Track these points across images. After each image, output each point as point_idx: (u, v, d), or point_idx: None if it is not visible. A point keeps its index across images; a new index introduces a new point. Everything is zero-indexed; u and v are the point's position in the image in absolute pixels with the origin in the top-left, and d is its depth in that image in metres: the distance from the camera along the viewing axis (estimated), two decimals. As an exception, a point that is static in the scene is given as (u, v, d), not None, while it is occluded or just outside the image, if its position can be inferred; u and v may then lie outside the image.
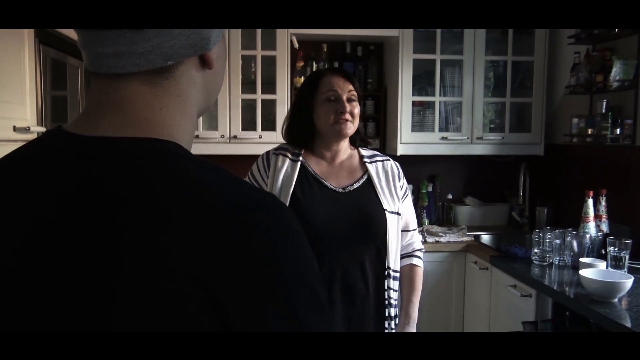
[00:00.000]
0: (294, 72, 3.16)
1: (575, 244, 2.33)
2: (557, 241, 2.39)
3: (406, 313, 1.72)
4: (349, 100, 1.61)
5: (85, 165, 0.57)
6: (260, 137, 2.96)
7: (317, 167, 1.65)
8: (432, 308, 2.86)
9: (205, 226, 0.53)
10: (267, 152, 1.68)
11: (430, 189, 3.36)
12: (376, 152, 1.76)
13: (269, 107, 3.02)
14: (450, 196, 3.41)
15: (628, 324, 1.65)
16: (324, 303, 0.60)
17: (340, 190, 1.61)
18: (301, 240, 0.60)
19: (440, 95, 3.08)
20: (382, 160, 1.72)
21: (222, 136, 2.94)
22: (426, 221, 3.27)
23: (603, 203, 2.46)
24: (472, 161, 3.37)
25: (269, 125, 3.00)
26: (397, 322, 1.68)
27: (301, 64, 3.20)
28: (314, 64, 3.21)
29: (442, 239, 2.89)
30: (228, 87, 2.92)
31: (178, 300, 0.52)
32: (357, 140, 1.72)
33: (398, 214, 1.66)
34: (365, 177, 1.66)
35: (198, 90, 0.66)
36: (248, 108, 3.01)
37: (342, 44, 3.26)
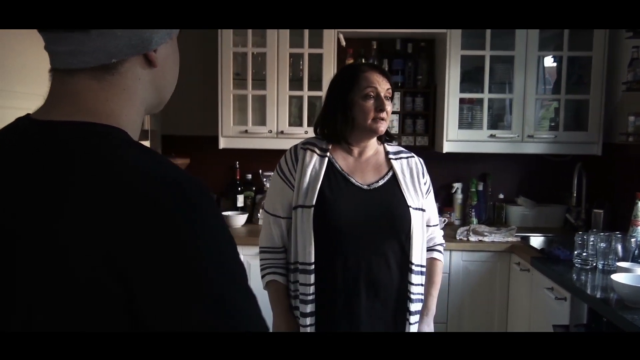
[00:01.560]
0: (343, 70, 3.21)
1: (620, 247, 2.22)
2: (602, 244, 2.28)
3: (425, 305, 1.74)
4: (386, 98, 1.63)
5: (33, 145, 0.67)
6: (306, 132, 3.03)
7: (343, 162, 1.68)
8: (475, 307, 2.82)
9: (119, 204, 0.60)
10: (295, 146, 1.72)
11: (480, 187, 3.29)
12: (401, 149, 1.78)
13: (315, 104, 3.10)
14: (501, 196, 3.32)
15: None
16: (242, 283, 0.66)
17: (365, 187, 1.65)
18: (220, 221, 0.66)
19: (489, 92, 3.01)
20: (407, 157, 1.74)
21: (270, 131, 3.05)
22: (474, 220, 3.21)
23: (657, 206, 2.33)
24: (525, 160, 3.27)
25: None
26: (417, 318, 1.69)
27: (350, 61, 3.24)
28: (363, 61, 3.24)
29: (485, 239, 2.83)
30: (276, 83, 3.02)
31: (90, 281, 0.59)
32: (384, 137, 1.76)
33: (422, 210, 1.68)
34: (390, 174, 1.69)
35: (145, 86, 0.74)
36: (295, 104, 3.10)
37: (392, 41, 3.27)
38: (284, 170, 1.70)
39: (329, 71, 3.01)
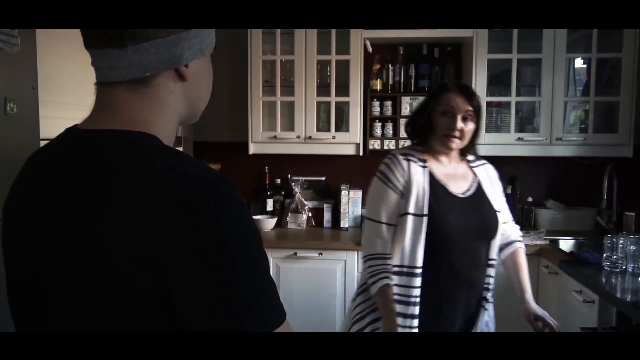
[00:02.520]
0: (370, 75, 3.26)
1: (650, 251, 2.20)
2: (633, 247, 2.26)
3: (525, 289, 1.91)
4: (464, 118, 1.77)
5: (78, 152, 0.75)
6: (334, 137, 3.09)
7: (439, 172, 1.83)
8: (504, 310, 2.80)
9: (156, 205, 0.66)
10: (395, 157, 1.83)
11: (509, 191, 3.28)
12: (475, 157, 1.93)
13: (343, 109, 3.15)
14: (530, 199, 3.31)
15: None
16: (265, 272, 0.72)
17: (461, 195, 1.82)
18: (244, 213, 0.71)
19: (516, 95, 3.01)
20: (483, 164, 1.93)
21: (298, 137, 3.12)
22: (503, 224, 3.20)
23: (689, 209, 2.29)
24: (554, 163, 3.25)
25: (342, 126, 3.13)
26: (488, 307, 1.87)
27: (377, 66, 3.29)
28: (389, 66, 3.28)
29: (514, 242, 2.83)
30: (304, 90, 3.09)
31: (128, 275, 0.66)
32: (467, 153, 1.89)
33: (500, 212, 1.86)
34: (477, 182, 1.86)
35: (177, 98, 0.81)
36: (323, 110, 3.16)
37: (418, 45, 3.30)
38: (391, 179, 1.80)
39: (356, 77, 3.06)
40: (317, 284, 2.90)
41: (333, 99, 3.11)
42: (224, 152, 3.41)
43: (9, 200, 0.80)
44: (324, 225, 3.33)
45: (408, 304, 1.72)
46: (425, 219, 1.73)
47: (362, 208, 3.33)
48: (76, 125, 0.82)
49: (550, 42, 2.94)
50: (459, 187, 1.82)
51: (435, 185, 1.79)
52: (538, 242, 2.84)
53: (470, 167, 1.88)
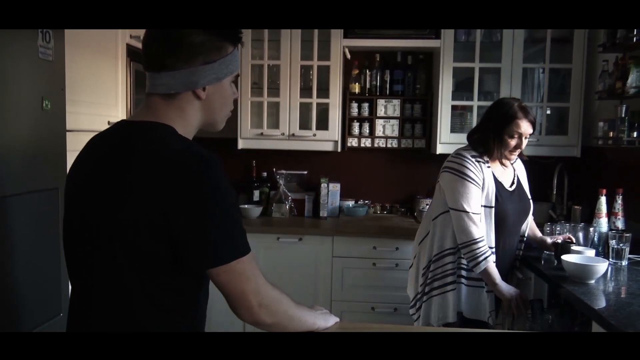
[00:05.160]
0: (349, 79, 3.61)
1: (581, 236, 2.55)
2: (567, 233, 2.62)
3: (537, 235, 2.58)
4: (526, 138, 2.29)
5: (120, 135, 1.09)
6: (315, 135, 3.44)
7: (496, 169, 2.34)
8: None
9: (165, 169, 1.01)
10: (470, 158, 2.28)
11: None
12: None
13: (323, 110, 3.49)
14: (492, 193, 3.65)
15: (595, 303, 1.88)
16: (237, 218, 1.06)
17: (510, 189, 2.36)
18: (223, 179, 1.05)
19: (478, 100, 3.36)
20: (516, 160, 2.45)
21: (283, 134, 3.46)
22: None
23: (619, 201, 2.64)
24: (513, 161, 3.60)
25: (322, 125, 3.48)
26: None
27: (356, 72, 3.63)
28: (367, 71, 3.62)
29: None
30: (289, 92, 3.43)
31: (144, 217, 1.00)
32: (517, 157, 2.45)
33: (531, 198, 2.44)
34: (516, 176, 2.41)
35: (195, 109, 1.15)
36: (305, 110, 3.50)
37: (393, 53, 3.64)
38: (470, 176, 2.25)
39: (335, 81, 3.41)
40: (297, 265, 3.25)
41: (314, 100, 3.45)
42: (216, 147, 3.69)
43: (72, 166, 1.14)
44: (305, 215, 3.68)
45: (469, 269, 2.30)
46: (493, 210, 2.26)
47: (340, 199, 3.67)
48: (124, 119, 1.17)
49: (508, 53, 3.29)
50: (507, 182, 2.34)
51: (496, 182, 2.29)
52: (494, 231, 3.19)
53: (511, 164, 2.39)
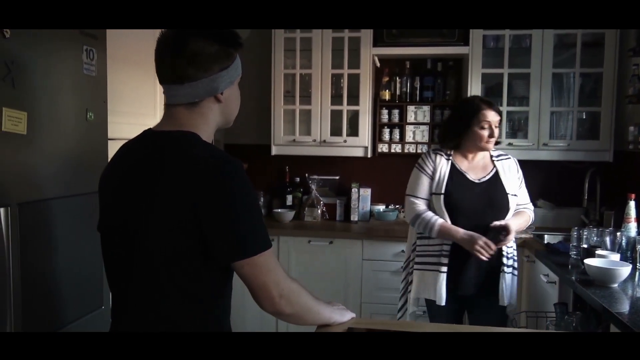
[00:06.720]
0: (379, 86, 3.69)
1: (608, 241, 2.55)
2: (596, 238, 2.62)
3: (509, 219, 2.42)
4: (495, 127, 2.38)
5: (149, 143, 1.21)
6: (345, 141, 3.53)
7: (461, 163, 2.45)
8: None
9: (194, 171, 1.12)
10: (429, 152, 2.49)
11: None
12: (501, 152, 2.54)
13: (353, 117, 3.59)
14: (523, 198, 3.66)
15: (614, 306, 1.91)
16: (259, 215, 1.17)
17: (477, 181, 2.41)
18: (247, 180, 1.16)
19: (507, 105, 3.39)
20: (506, 158, 2.51)
21: (314, 140, 3.57)
22: (497, 220, 3.57)
23: (648, 206, 2.63)
24: (544, 166, 3.59)
25: (353, 131, 3.57)
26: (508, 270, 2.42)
27: (386, 79, 3.71)
28: (397, 78, 3.70)
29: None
30: (320, 99, 3.54)
31: (177, 214, 1.11)
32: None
33: (516, 195, 2.44)
34: (494, 171, 2.45)
35: (215, 113, 1.26)
36: (336, 117, 3.61)
37: (423, 60, 3.71)
38: (425, 168, 2.46)
39: (365, 88, 3.49)
40: (328, 268, 3.34)
41: (345, 107, 3.55)
42: (250, 153, 3.88)
43: (104, 174, 1.27)
44: (337, 219, 3.77)
45: (440, 255, 2.39)
46: (442, 196, 2.38)
47: (370, 204, 3.75)
48: (150, 128, 1.28)
49: (538, 58, 3.31)
50: (477, 174, 2.42)
51: (455, 173, 2.40)
52: (523, 236, 3.20)
53: (493, 161, 2.46)
